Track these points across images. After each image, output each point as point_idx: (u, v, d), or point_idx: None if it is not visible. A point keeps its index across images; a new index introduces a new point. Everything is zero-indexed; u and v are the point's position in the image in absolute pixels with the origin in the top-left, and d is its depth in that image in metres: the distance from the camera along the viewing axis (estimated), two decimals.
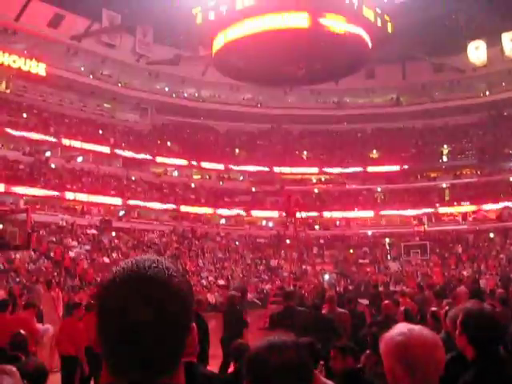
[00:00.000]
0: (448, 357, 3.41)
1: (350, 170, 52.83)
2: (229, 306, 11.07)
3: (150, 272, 1.21)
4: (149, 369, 1.18)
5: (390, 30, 22.77)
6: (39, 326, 10.39)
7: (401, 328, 2.04)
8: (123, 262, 1.27)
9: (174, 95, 53.26)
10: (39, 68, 41.91)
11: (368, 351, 5.38)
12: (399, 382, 1.99)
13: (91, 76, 47.64)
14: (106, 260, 34.70)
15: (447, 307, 6.63)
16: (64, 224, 37.93)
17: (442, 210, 49.07)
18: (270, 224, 50.71)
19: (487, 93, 51.32)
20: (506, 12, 37.76)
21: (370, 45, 28.99)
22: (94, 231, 39.22)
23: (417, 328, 2.04)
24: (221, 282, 37.38)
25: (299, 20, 24.81)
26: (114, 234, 40.30)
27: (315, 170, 53.76)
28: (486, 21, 39.90)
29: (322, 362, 6.09)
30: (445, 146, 52.50)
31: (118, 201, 44.21)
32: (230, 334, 9.31)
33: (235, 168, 52.70)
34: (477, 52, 43.55)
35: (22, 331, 6.00)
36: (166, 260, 1.28)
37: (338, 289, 30.61)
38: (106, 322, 1.20)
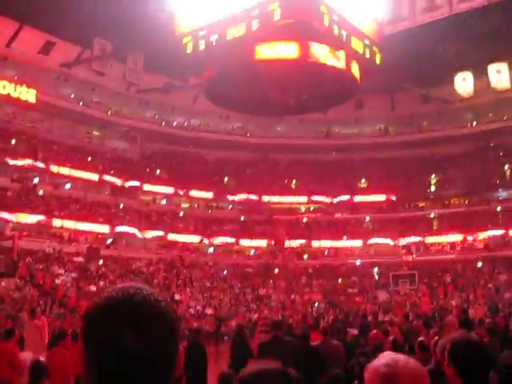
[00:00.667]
0: None
1: (338, 199, 52.99)
2: (236, 336, 11.07)
3: (135, 298, 1.21)
4: None
5: (378, 61, 23.03)
6: (22, 354, 10.24)
7: (386, 358, 1.98)
8: (107, 291, 1.26)
9: (163, 123, 53.36)
10: (29, 95, 41.92)
11: (356, 381, 5.36)
12: None
13: (81, 103, 47.70)
14: (93, 288, 34.40)
15: (436, 337, 6.63)
16: (51, 251, 37.67)
17: (430, 239, 49.27)
18: (259, 253, 50.62)
19: (474, 123, 51.87)
20: (491, 44, 38.40)
21: (358, 75, 29.30)
22: (81, 259, 38.95)
23: (402, 358, 2.00)
24: (209, 311, 37.14)
25: (288, 50, 25.08)
26: (101, 261, 40.02)
27: (304, 199, 53.90)
28: (473, 53, 40.50)
29: None
30: (433, 176, 52.88)
31: (105, 228, 44.05)
32: (236, 363, 9.29)
33: (224, 197, 52.75)
34: (464, 83, 44.11)
35: (41, 358, 6.00)
36: (147, 286, 1.27)
37: (326, 318, 30.44)
38: (94, 352, 1.18)
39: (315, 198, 53.50)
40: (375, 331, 9.70)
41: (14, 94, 41.24)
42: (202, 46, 25.06)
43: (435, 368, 4.39)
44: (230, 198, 52.98)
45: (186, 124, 55.02)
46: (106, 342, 1.16)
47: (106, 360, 1.16)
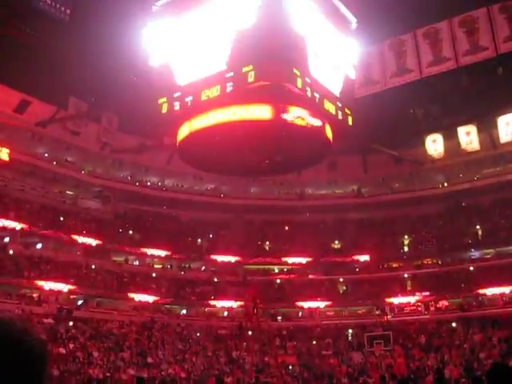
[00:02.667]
0: None
1: (312, 260, 53.01)
2: None
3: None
4: None
5: (350, 122, 23.57)
6: None
7: None
8: None
9: (137, 183, 53.46)
10: (2, 153, 41.94)
11: None
12: None
13: (55, 162, 47.75)
14: (62, 351, 33.64)
15: None
16: (20, 313, 36.86)
17: (404, 300, 49.23)
18: (232, 314, 50.06)
19: (445, 184, 52.91)
20: (460, 107, 39.59)
21: (331, 137, 29.79)
22: (50, 320, 38.13)
23: None
24: (181, 374, 36.42)
25: (262, 112, 25.59)
26: (71, 323, 39.22)
27: (278, 260, 53.81)
28: (442, 115, 41.66)
29: None
30: (405, 236, 53.32)
31: (76, 289, 43.33)
32: None
33: (197, 257, 52.49)
34: (434, 145, 45.07)
35: None
36: (18, 321, 1.19)
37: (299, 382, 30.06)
38: None
39: (289, 259, 53.51)
40: None
41: None
42: (176, 106, 25.46)
43: None
44: (203, 258, 52.75)
45: (159, 184, 55.22)
46: None
47: None
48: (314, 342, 46.35)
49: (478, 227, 50.38)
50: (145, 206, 53.26)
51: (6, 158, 42.20)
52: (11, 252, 41.89)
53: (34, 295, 40.79)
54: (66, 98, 41.97)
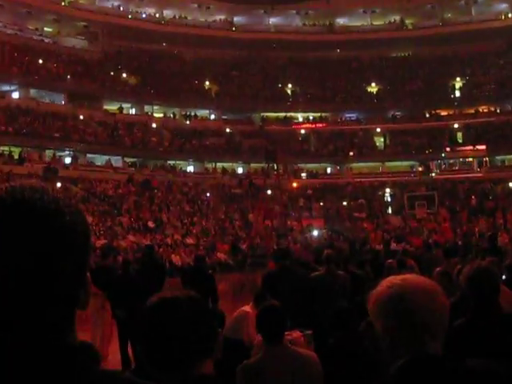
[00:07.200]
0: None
1: (343, 106, 52.79)
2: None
3: (34, 204, 1.09)
4: (36, 329, 1.07)
5: None
6: None
7: (391, 280, 2.04)
8: None
9: (129, 16, 52.43)
10: None
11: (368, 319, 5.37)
12: (399, 343, 1.95)
13: None
14: None
15: (459, 266, 6.68)
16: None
17: (454, 154, 49.35)
18: (248, 171, 50.56)
19: (509, 15, 51.27)
20: None
21: None
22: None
23: (410, 276, 2.08)
24: (189, 240, 37.42)
25: None
26: (59, 184, 39.88)
27: (302, 106, 53.58)
28: None
29: (309, 332, 6.16)
30: (457, 79, 52.53)
31: (63, 145, 43.74)
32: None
33: (205, 104, 52.41)
34: None
35: None
36: (52, 190, 1.16)
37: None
38: None
39: (315, 104, 53.27)
40: (390, 260, 9.83)
41: None
42: None
43: (459, 301, 4.43)
44: (212, 104, 52.69)
45: (157, 16, 54.15)
46: None
47: None
48: (345, 203, 46.97)
49: None
50: (140, 43, 52.54)
51: None
52: None
53: (14, 153, 41.23)
54: None
